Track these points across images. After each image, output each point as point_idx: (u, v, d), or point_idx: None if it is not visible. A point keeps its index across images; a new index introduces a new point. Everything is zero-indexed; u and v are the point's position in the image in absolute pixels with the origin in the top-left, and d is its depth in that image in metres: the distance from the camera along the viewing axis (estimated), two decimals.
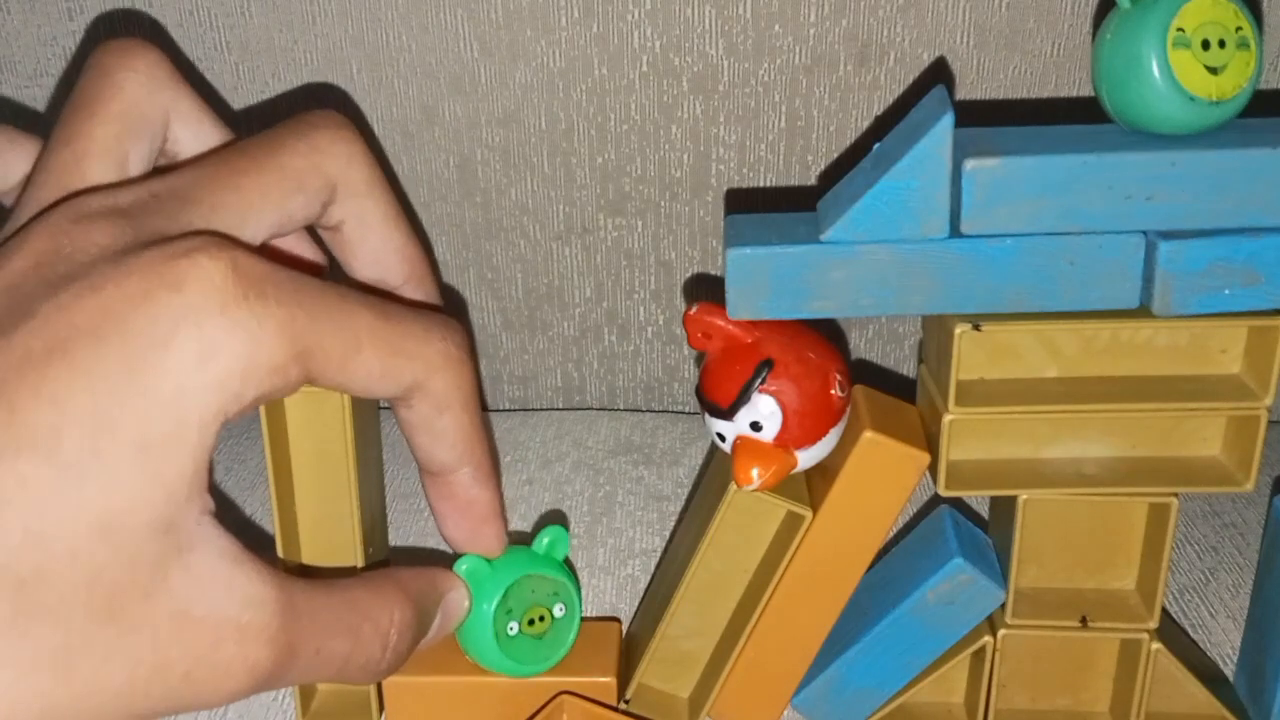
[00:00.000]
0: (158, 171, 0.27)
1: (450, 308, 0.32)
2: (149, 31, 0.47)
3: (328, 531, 0.34)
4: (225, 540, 0.24)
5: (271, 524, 0.34)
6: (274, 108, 0.49)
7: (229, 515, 0.46)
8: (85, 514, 0.22)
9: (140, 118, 0.28)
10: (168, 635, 0.23)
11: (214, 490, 0.49)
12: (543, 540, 0.34)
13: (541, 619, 0.34)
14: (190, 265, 0.23)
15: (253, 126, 0.49)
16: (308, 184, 0.28)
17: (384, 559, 0.37)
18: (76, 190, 0.26)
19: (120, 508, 0.22)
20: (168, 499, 0.23)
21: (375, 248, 0.30)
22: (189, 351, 0.22)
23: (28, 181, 0.27)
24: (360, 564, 0.34)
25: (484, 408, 0.56)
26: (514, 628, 0.33)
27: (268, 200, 0.27)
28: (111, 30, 0.47)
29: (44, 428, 0.22)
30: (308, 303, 0.24)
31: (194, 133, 0.29)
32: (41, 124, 0.50)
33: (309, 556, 0.34)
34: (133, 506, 0.22)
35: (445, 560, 0.33)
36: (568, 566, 0.35)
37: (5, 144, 0.31)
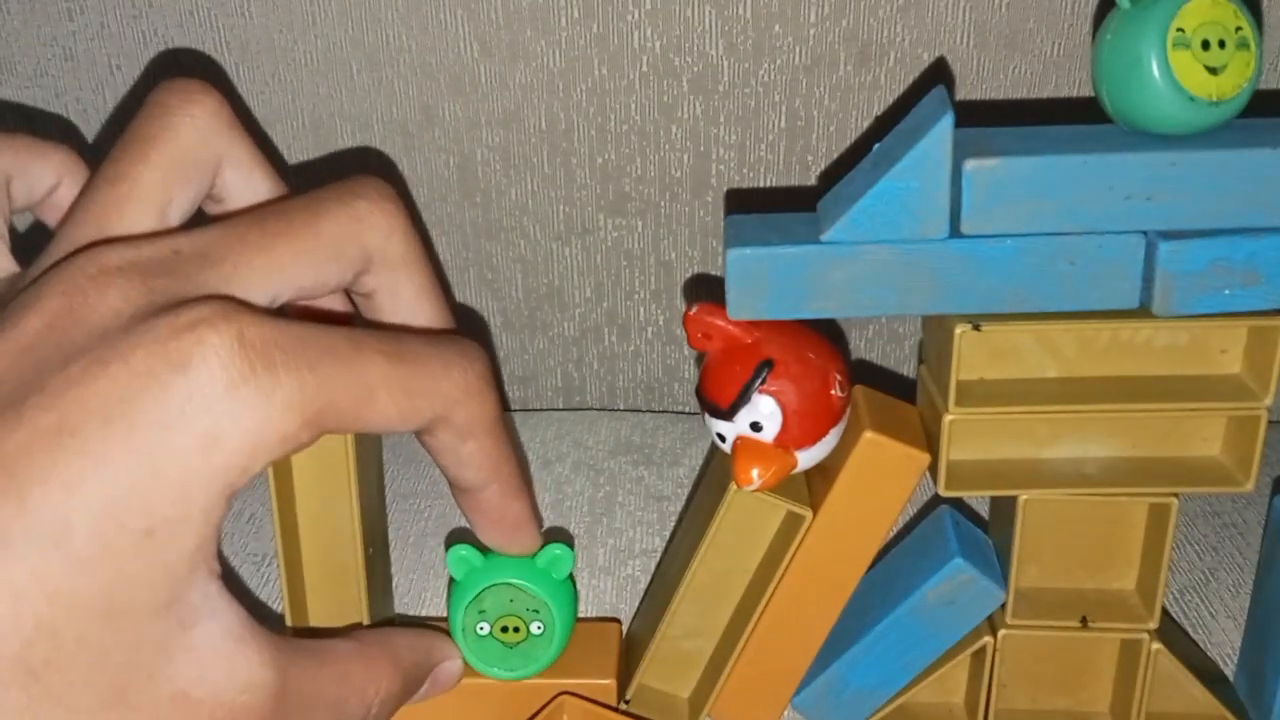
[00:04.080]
0: (201, 223, 0.27)
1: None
2: (150, 31, 0.47)
3: (328, 531, 0.34)
4: (230, 614, 0.24)
5: (271, 523, 0.34)
6: (274, 109, 0.49)
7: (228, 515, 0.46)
8: (93, 601, 0.22)
9: (191, 164, 0.28)
10: (168, 716, 0.23)
11: None
12: (545, 555, 0.33)
13: (516, 630, 0.34)
14: (195, 343, 0.23)
15: (252, 128, 0.49)
16: (343, 254, 0.27)
17: (386, 573, 0.37)
18: (112, 233, 0.26)
19: (124, 593, 0.22)
20: (169, 579, 0.23)
21: (404, 319, 0.30)
22: (195, 435, 0.23)
23: (67, 215, 0.27)
24: (360, 565, 0.34)
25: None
26: (484, 628, 0.34)
27: (298, 265, 0.27)
28: (111, 33, 0.47)
29: (55, 517, 0.22)
30: (318, 363, 0.24)
31: (245, 179, 0.29)
32: (44, 124, 0.50)
33: (309, 556, 0.34)
34: (135, 591, 0.23)
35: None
36: (570, 585, 0.34)
37: (32, 156, 0.31)
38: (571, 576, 0.34)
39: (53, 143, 0.30)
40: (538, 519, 0.33)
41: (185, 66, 0.48)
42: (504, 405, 0.57)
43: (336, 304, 0.32)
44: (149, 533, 0.22)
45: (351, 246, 0.28)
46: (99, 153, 0.28)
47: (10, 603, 0.22)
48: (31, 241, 0.28)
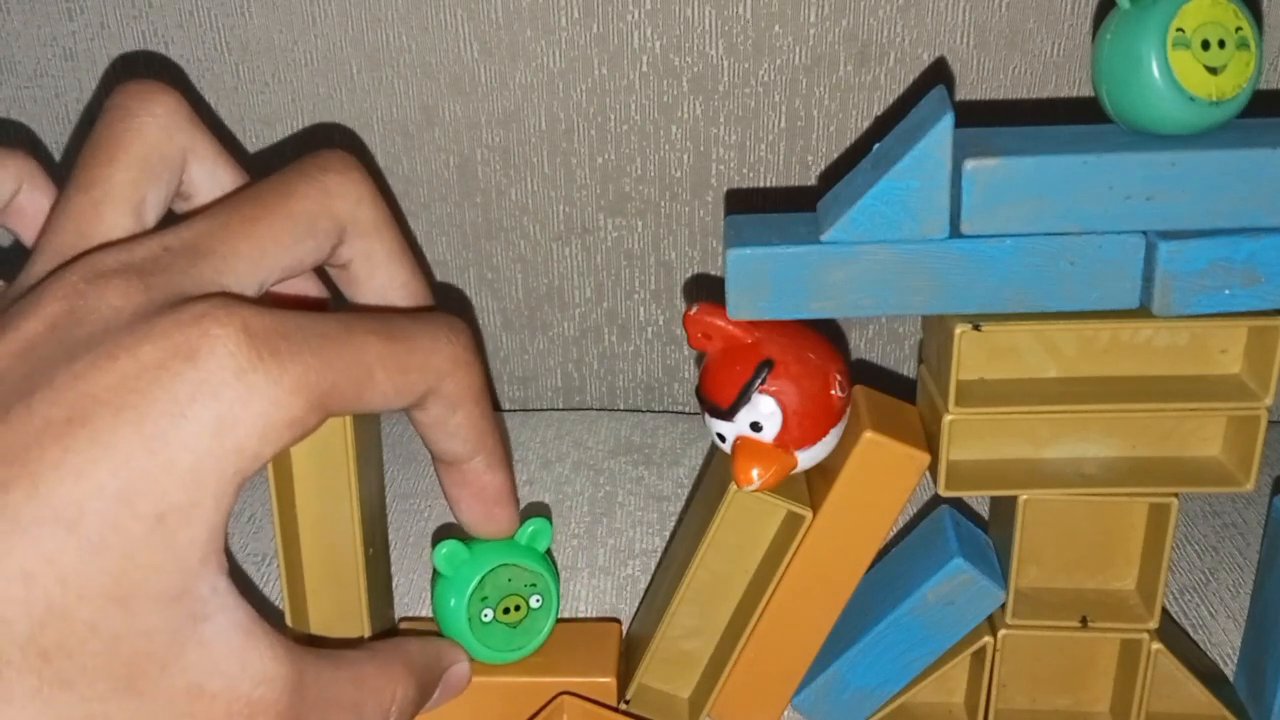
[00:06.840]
0: (172, 221, 0.28)
1: (451, 308, 0.32)
2: (149, 31, 0.47)
3: (328, 531, 0.34)
4: (240, 610, 0.25)
5: (271, 523, 0.34)
6: (274, 109, 0.49)
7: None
8: (104, 586, 0.22)
9: (159, 162, 0.28)
10: (183, 709, 0.24)
11: None
12: (525, 531, 0.34)
13: (517, 608, 0.34)
14: (201, 334, 0.23)
15: (252, 127, 0.49)
16: (318, 228, 0.28)
17: (386, 573, 0.37)
18: (94, 237, 0.27)
19: (135, 579, 0.23)
20: (179, 568, 0.23)
21: (381, 284, 0.30)
22: (207, 422, 0.23)
23: (46, 225, 0.28)
24: (360, 565, 0.34)
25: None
26: (488, 614, 0.34)
27: (280, 245, 0.27)
28: (112, 34, 0.47)
29: (67, 502, 0.22)
30: (319, 347, 0.25)
31: (209, 173, 0.30)
32: (38, 127, 0.50)
33: (309, 556, 0.34)
34: (146, 577, 0.23)
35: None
36: (549, 559, 0.35)
37: None
38: (549, 551, 0.35)
39: (7, 149, 0.31)
40: (516, 499, 0.33)
41: (149, 70, 0.48)
42: (497, 405, 0.57)
43: (312, 290, 0.33)
44: (160, 519, 0.23)
45: (325, 219, 0.28)
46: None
47: (22, 585, 0.22)
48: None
